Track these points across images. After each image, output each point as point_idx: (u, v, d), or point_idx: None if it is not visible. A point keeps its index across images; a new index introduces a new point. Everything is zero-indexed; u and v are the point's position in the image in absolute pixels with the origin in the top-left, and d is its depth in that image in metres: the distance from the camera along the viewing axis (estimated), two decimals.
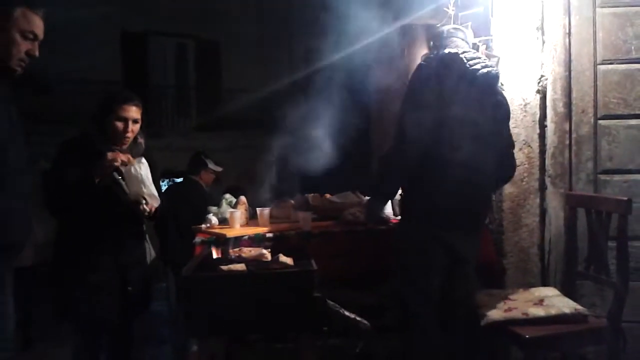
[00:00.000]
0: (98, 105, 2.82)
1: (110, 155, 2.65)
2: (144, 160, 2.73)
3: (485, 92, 2.66)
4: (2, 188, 1.99)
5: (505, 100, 2.85)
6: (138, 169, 2.68)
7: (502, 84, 3.31)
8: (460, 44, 2.76)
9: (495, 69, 2.69)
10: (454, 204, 2.59)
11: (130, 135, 2.80)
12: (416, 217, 2.67)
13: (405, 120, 2.57)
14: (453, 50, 2.64)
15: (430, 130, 2.53)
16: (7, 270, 2.11)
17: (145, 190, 2.69)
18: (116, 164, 2.65)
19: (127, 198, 2.69)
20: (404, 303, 2.67)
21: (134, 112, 2.79)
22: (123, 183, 2.68)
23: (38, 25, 2.14)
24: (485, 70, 2.62)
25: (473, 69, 2.60)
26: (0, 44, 2.07)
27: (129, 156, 2.71)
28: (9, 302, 2.10)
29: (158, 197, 2.77)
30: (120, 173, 2.69)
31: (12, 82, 2.16)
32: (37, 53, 2.14)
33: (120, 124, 2.76)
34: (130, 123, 2.78)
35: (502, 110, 2.80)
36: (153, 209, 2.77)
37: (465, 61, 2.61)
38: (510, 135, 2.95)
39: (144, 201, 2.70)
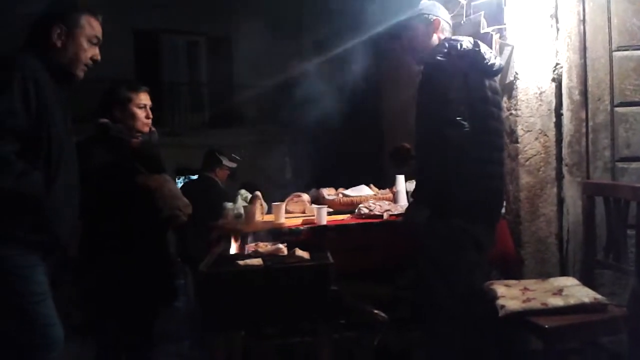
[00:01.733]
0: (112, 97, 2.85)
1: (145, 180, 2.72)
2: (168, 177, 2.84)
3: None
4: (49, 184, 2.05)
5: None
6: (170, 186, 2.77)
7: (516, 73, 3.29)
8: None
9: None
10: (484, 197, 2.58)
11: (150, 120, 2.88)
12: (449, 212, 2.57)
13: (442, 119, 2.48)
14: (469, 43, 2.59)
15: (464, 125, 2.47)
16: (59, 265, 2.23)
17: (180, 202, 2.79)
18: (153, 188, 2.72)
19: (163, 212, 2.76)
20: (435, 297, 2.59)
21: (148, 98, 2.90)
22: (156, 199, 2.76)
23: (99, 29, 2.26)
24: (497, 61, 2.63)
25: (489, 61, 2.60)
26: (69, 50, 2.17)
27: (159, 178, 2.77)
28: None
29: (189, 203, 2.86)
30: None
31: (72, 87, 2.26)
32: (99, 57, 2.26)
33: (141, 111, 2.85)
34: (148, 108, 2.87)
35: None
36: (188, 216, 2.85)
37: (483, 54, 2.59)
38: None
39: (180, 213, 2.79)
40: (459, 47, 2.54)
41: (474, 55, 2.56)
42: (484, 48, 2.61)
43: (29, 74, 2.01)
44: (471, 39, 2.61)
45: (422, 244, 2.65)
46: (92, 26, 2.23)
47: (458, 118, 2.45)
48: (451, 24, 2.84)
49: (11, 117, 1.94)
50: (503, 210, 3.30)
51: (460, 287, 2.59)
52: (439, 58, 2.53)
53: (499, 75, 3.30)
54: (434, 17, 2.71)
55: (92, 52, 2.23)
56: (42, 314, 2.06)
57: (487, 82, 2.63)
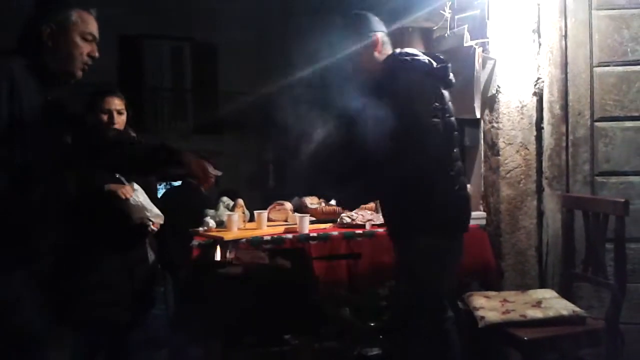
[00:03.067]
0: (85, 102, 2.83)
1: (112, 188, 2.69)
2: (136, 186, 2.79)
3: None
4: (51, 187, 2.01)
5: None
6: (137, 198, 2.75)
7: (499, 86, 3.33)
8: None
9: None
10: (457, 207, 2.47)
11: (116, 126, 2.82)
12: (425, 226, 2.42)
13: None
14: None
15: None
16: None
17: (149, 213, 2.79)
18: (122, 197, 2.69)
19: (132, 222, 2.75)
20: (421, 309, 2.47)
21: (116, 103, 2.83)
22: (127, 209, 2.75)
23: (94, 25, 2.12)
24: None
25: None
26: (63, 48, 2.05)
27: (127, 188, 2.74)
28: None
29: (161, 214, 2.84)
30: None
31: (70, 86, 2.16)
32: (97, 54, 2.12)
33: (104, 116, 2.79)
34: (114, 114, 2.81)
35: None
36: (158, 226, 2.83)
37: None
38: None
39: (150, 222, 2.78)
40: (409, 58, 2.40)
41: (424, 63, 2.40)
42: (433, 57, 2.45)
43: (4, 77, 1.88)
44: (419, 51, 2.47)
45: (399, 257, 2.59)
46: (85, 22, 2.09)
47: (435, 119, 2.34)
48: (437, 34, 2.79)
49: None
50: (483, 222, 3.33)
51: (438, 301, 2.54)
52: (401, 61, 2.40)
53: (482, 88, 3.35)
54: (372, 35, 2.48)
55: (88, 48, 2.09)
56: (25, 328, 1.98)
57: (439, 91, 2.42)
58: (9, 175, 1.90)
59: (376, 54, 2.48)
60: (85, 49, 2.08)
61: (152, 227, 2.83)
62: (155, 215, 2.84)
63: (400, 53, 2.45)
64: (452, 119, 2.44)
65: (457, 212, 2.47)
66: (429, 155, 2.33)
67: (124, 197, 2.72)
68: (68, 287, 2.71)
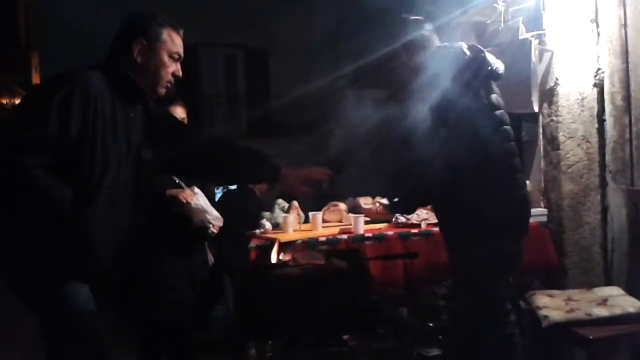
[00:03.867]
0: None
1: (172, 193, 2.77)
2: (197, 189, 2.87)
3: None
4: (103, 207, 1.95)
5: None
6: (197, 201, 2.82)
7: (557, 79, 3.24)
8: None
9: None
10: (507, 214, 2.39)
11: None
12: (480, 231, 2.38)
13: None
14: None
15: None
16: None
17: (209, 216, 2.86)
18: (183, 202, 2.77)
19: (193, 225, 2.82)
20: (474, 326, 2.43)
21: (180, 112, 2.92)
22: (188, 212, 2.83)
23: (181, 45, 2.13)
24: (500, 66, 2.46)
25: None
26: (150, 66, 2.05)
27: (188, 192, 2.82)
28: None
29: (220, 216, 2.90)
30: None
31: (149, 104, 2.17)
32: (181, 74, 2.14)
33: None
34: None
35: None
36: (218, 229, 2.89)
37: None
38: None
39: (210, 225, 2.85)
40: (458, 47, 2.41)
41: (471, 61, 2.37)
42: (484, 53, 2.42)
43: (80, 90, 1.88)
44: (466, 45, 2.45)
45: (456, 267, 2.54)
46: (173, 40, 2.09)
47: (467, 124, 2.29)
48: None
49: (41, 130, 1.81)
50: (544, 219, 3.25)
51: (497, 311, 2.47)
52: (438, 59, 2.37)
53: (539, 81, 3.27)
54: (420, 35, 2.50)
55: (173, 68, 2.10)
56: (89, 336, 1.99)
57: (489, 86, 2.43)
58: (78, 185, 1.89)
59: (421, 51, 2.46)
60: (171, 68, 2.09)
61: (212, 229, 2.89)
62: (215, 218, 2.90)
63: (441, 46, 2.46)
64: (499, 112, 2.41)
65: (514, 215, 2.41)
66: (475, 152, 2.27)
67: (185, 201, 2.79)
68: (133, 292, 2.81)
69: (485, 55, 2.38)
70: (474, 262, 2.35)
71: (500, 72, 2.43)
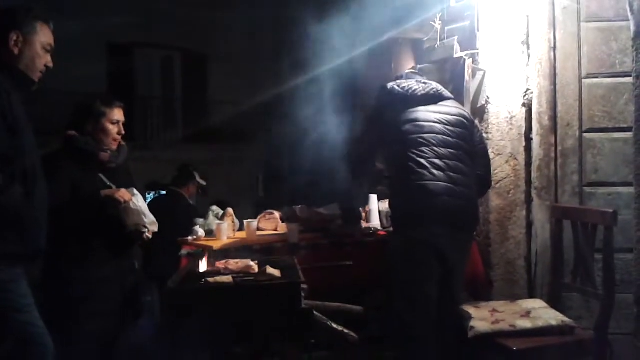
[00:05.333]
0: (86, 111, 2.80)
1: (109, 193, 2.68)
2: (135, 191, 2.77)
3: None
4: (26, 195, 2.07)
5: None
6: (137, 202, 2.72)
7: (488, 97, 3.34)
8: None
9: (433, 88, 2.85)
10: (438, 206, 2.64)
11: (121, 137, 2.83)
12: (403, 223, 2.74)
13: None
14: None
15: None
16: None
17: (146, 220, 2.75)
18: (120, 202, 2.67)
19: (128, 228, 2.72)
20: (399, 315, 2.69)
21: (122, 114, 2.85)
22: (122, 214, 2.72)
23: (52, 37, 2.28)
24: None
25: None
26: (26, 57, 2.18)
27: (126, 192, 2.72)
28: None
29: (157, 222, 2.81)
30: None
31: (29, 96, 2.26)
32: (51, 64, 2.27)
33: (114, 127, 2.78)
34: (121, 125, 2.82)
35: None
36: (151, 235, 2.81)
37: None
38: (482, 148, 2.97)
39: (145, 230, 2.74)
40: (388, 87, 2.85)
41: (398, 92, 2.81)
42: (410, 83, 2.84)
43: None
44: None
45: (386, 255, 2.78)
46: (45, 34, 2.24)
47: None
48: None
49: None
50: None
51: (421, 302, 2.64)
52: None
53: (472, 99, 3.37)
54: None
55: (45, 59, 2.25)
56: (30, 325, 2.10)
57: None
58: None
59: None
60: (44, 59, 2.25)
61: (147, 234, 2.79)
62: (151, 222, 2.80)
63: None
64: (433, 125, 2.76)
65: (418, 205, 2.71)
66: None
67: (122, 200, 2.69)
68: (59, 292, 2.68)
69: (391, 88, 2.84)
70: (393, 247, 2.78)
71: (419, 94, 2.81)
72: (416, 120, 2.75)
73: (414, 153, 2.69)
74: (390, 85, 2.85)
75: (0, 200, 1.98)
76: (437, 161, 2.68)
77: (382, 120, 2.85)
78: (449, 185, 2.66)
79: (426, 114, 2.76)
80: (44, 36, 2.23)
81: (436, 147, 2.70)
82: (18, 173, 2.05)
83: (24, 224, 2.07)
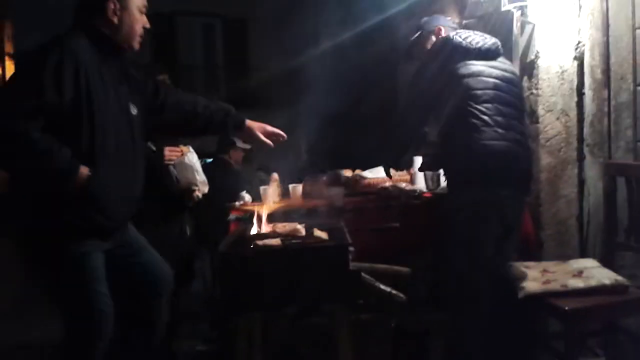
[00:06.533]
0: None
1: (168, 150, 2.68)
2: (191, 149, 2.76)
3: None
4: (108, 166, 2.08)
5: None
6: (191, 158, 2.72)
7: (538, 52, 3.24)
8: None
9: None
10: (504, 167, 2.62)
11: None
12: (468, 182, 2.67)
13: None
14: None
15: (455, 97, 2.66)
16: None
17: (198, 177, 2.75)
18: (174, 158, 2.68)
19: (179, 186, 2.71)
20: (459, 275, 2.68)
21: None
22: (174, 171, 2.71)
23: None
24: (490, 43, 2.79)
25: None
26: (126, 24, 2.16)
27: (184, 148, 2.73)
28: None
29: (207, 183, 2.81)
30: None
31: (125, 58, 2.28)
32: (149, 25, 2.24)
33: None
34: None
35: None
36: (201, 195, 2.82)
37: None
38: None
39: (196, 188, 2.74)
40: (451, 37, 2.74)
41: (460, 44, 2.71)
42: (471, 35, 2.76)
43: (69, 57, 1.98)
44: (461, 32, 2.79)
45: (445, 216, 2.74)
46: None
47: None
48: (454, 26, 3.02)
49: (38, 96, 1.91)
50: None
51: (484, 259, 2.61)
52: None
53: (520, 54, 3.27)
54: (434, 27, 2.93)
55: (142, 21, 2.22)
56: (95, 300, 2.12)
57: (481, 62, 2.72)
58: (80, 147, 2.01)
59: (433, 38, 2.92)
60: (141, 22, 2.22)
61: (197, 192, 2.78)
62: (202, 182, 2.79)
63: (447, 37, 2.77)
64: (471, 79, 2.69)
65: (491, 164, 2.65)
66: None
67: (181, 154, 2.69)
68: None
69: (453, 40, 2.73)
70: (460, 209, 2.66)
71: (483, 48, 2.74)
72: (480, 74, 2.67)
73: (478, 110, 2.62)
74: (451, 35, 2.75)
75: (45, 163, 1.95)
76: (500, 119, 2.63)
77: (442, 74, 2.72)
78: (512, 145, 2.63)
79: (489, 69, 2.70)
80: None
81: (499, 105, 2.64)
82: (84, 140, 2.02)
83: (87, 192, 2.02)
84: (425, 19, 3.01)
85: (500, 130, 2.61)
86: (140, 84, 2.35)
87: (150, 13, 2.29)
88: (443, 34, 2.88)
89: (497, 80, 2.68)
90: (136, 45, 2.22)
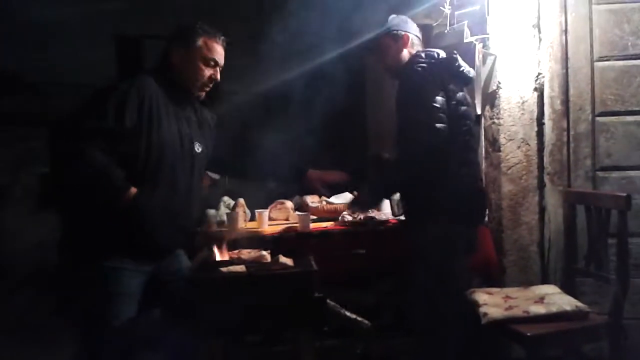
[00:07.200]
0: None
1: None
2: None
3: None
4: (160, 191, 2.28)
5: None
6: None
7: (499, 82, 3.32)
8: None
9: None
10: (468, 198, 2.65)
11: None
12: (438, 214, 2.62)
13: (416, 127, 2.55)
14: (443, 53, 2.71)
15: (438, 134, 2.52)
16: None
17: None
18: None
19: None
20: (433, 303, 2.64)
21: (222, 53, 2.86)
22: None
23: (219, 52, 2.43)
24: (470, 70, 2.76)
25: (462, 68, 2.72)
26: (187, 70, 2.37)
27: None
28: None
29: None
30: None
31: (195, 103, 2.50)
32: (219, 78, 2.44)
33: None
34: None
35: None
36: None
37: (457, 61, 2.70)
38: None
39: None
40: (435, 55, 2.65)
41: (450, 63, 2.67)
42: (458, 57, 2.70)
43: (136, 90, 2.21)
44: (442, 51, 2.71)
45: (414, 247, 2.71)
46: (209, 48, 2.38)
47: (439, 125, 2.51)
48: (421, 38, 2.89)
49: (101, 122, 2.13)
50: (485, 218, 3.32)
51: (453, 289, 2.62)
52: (417, 68, 2.60)
53: (482, 84, 3.35)
54: (403, 33, 2.77)
55: (209, 72, 2.39)
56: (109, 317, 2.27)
57: (463, 89, 2.72)
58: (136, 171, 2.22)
59: (404, 51, 2.78)
60: (207, 72, 2.39)
61: None
62: None
63: (420, 52, 2.71)
64: (469, 112, 2.70)
65: (472, 203, 2.69)
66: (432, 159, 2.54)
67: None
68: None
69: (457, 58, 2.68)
70: (435, 242, 2.60)
71: (470, 75, 2.76)
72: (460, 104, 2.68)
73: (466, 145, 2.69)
74: (442, 54, 2.71)
75: (99, 177, 2.14)
76: (472, 155, 2.70)
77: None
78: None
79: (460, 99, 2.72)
80: (206, 51, 2.37)
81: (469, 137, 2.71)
82: (140, 164, 2.22)
83: (138, 218, 2.21)
84: (394, 18, 2.85)
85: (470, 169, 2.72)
86: (212, 130, 2.60)
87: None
88: (409, 46, 2.77)
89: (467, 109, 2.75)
90: (196, 92, 2.42)
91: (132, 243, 2.23)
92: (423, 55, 2.67)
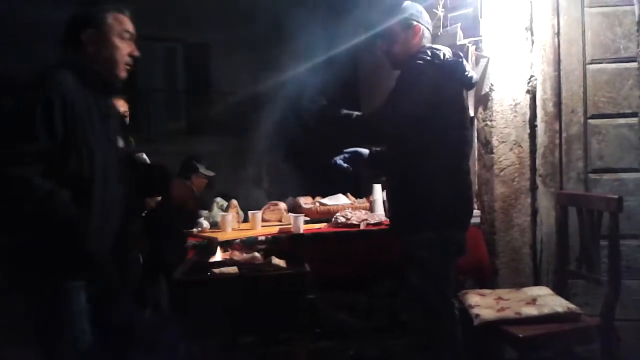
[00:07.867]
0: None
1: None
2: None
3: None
4: (99, 205, 2.01)
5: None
6: None
7: (492, 85, 3.33)
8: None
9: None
10: (462, 204, 2.57)
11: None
12: (442, 222, 2.52)
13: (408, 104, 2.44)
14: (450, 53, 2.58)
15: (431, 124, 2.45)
16: None
17: None
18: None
19: None
20: (430, 306, 2.54)
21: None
22: None
23: (129, 24, 2.16)
24: (474, 75, 2.64)
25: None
26: (104, 53, 2.09)
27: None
28: None
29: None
30: None
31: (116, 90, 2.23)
32: (137, 52, 2.18)
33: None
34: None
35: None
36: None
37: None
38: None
39: None
40: (441, 55, 2.48)
41: (455, 65, 2.52)
42: (463, 60, 2.58)
43: (55, 92, 1.93)
44: (449, 51, 2.57)
45: (407, 251, 2.61)
46: (120, 22, 2.13)
47: (431, 123, 2.43)
48: (431, 30, 2.77)
49: (33, 140, 1.87)
50: (478, 220, 3.33)
51: (448, 292, 2.59)
52: (419, 62, 2.46)
53: (475, 87, 3.35)
54: (415, 23, 2.59)
55: (127, 48, 2.14)
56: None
57: (464, 93, 2.61)
58: (73, 184, 1.95)
59: (413, 42, 2.60)
60: (126, 49, 2.13)
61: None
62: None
63: (427, 48, 2.53)
64: (466, 119, 2.59)
65: (469, 207, 2.60)
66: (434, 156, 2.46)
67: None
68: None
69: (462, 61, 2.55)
70: (428, 245, 2.49)
71: (473, 81, 2.63)
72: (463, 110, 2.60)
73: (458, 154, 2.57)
74: (449, 54, 2.55)
75: (45, 208, 1.90)
76: (465, 161, 2.61)
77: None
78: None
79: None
80: (118, 25, 2.11)
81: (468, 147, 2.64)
82: (74, 179, 1.96)
83: (78, 233, 1.96)
84: (408, 5, 2.65)
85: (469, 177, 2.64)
86: (122, 117, 2.39)
87: None
88: (418, 38, 2.60)
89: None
90: (121, 73, 2.14)
91: (78, 261, 2.00)
92: (429, 52, 2.50)
